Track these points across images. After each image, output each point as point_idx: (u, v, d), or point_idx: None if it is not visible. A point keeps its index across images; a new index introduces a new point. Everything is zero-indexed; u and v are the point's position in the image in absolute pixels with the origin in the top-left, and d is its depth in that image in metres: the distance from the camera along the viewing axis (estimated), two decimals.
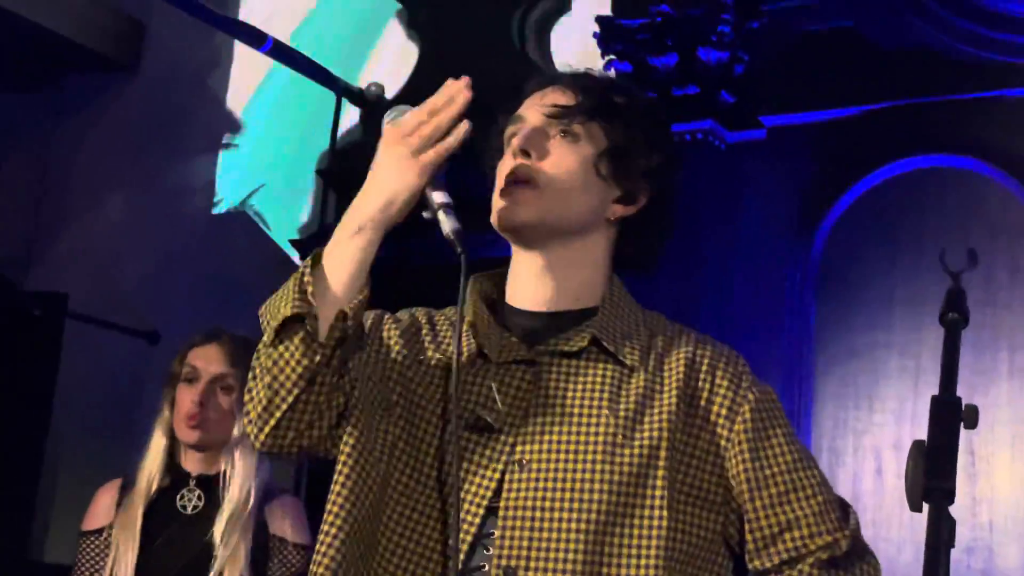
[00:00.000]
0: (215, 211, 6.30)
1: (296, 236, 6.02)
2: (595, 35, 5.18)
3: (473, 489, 1.71)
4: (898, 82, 4.73)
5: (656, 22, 5.00)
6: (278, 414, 1.68)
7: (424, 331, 1.84)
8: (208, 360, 3.04)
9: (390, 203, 1.68)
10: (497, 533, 1.68)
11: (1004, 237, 4.50)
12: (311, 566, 1.69)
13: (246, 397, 1.72)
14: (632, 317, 1.83)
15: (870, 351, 4.63)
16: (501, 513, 1.69)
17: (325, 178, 5.92)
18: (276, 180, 6.18)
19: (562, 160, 1.78)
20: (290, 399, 1.67)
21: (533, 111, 1.83)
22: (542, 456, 1.70)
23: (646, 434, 1.70)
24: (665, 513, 1.68)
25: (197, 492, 2.98)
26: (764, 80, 4.95)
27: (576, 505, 1.67)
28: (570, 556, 1.65)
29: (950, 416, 1.54)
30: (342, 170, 5.88)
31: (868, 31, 4.81)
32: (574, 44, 5.65)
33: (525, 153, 1.78)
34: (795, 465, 1.76)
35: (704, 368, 1.78)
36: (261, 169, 6.22)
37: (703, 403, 1.76)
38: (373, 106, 5.84)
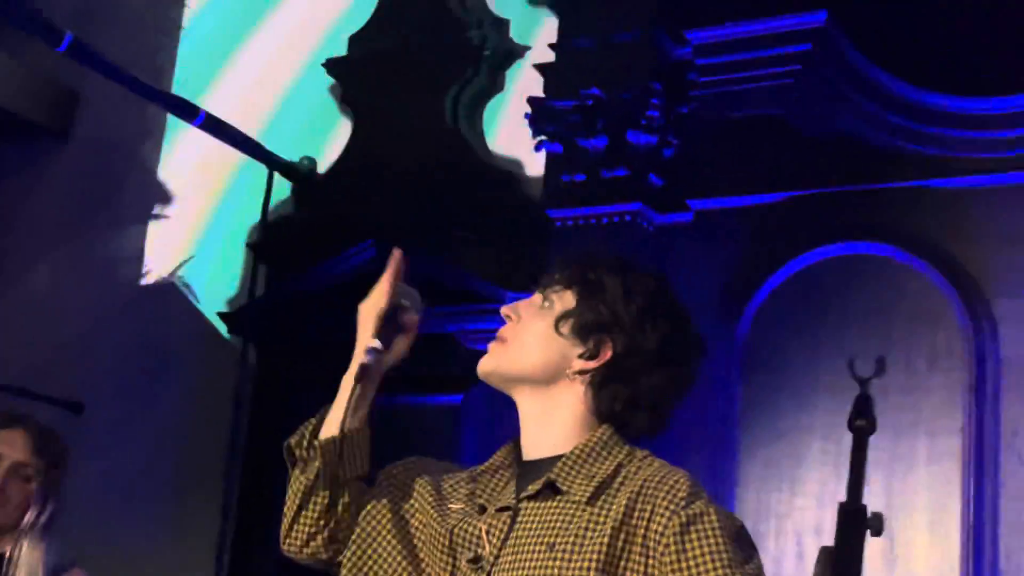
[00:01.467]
0: (144, 281, 6.26)
1: (224, 309, 5.99)
2: (527, 116, 5.23)
3: None
4: (823, 170, 4.81)
5: (587, 104, 5.06)
6: (287, 523, 2.09)
7: (440, 484, 2.12)
8: (11, 446, 3.01)
9: (357, 355, 2.05)
10: None
11: (923, 325, 4.57)
12: None
13: None
14: (604, 459, 2.01)
15: (793, 434, 4.67)
16: None
17: (255, 251, 5.91)
18: (206, 252, 6.16)
19: (529, 322, 2.10)
20: (291, 513, 2.09)
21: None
22: None
23: (576, 563, 1.89)
24: None
25: None
26: (692, 164, 5.02)
27: None
28: None
29: (856, 524, 1.56)
30: (273, 243, 5.88)
31: (795, 120, 4.89)
32: (507, 124, 5.70)
33: (509, 317, 2.12)
34: None
35: (647, 496, 1.93)
36: (191, 240, 6.20)
37: (643, 531, 1.91)
38: (305, 180, 5.85)
